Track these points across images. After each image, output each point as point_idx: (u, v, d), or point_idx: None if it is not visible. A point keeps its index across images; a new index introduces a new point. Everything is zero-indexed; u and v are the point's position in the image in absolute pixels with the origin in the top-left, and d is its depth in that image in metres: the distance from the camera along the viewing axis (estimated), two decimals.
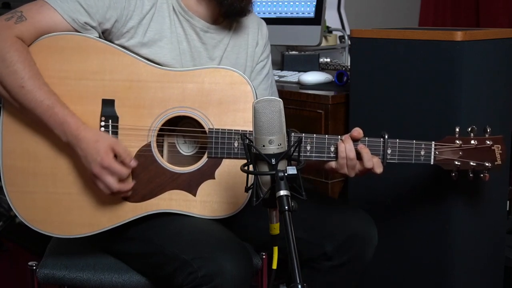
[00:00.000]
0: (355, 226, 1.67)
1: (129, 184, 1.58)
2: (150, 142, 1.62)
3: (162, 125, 1.62)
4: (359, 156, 1.56)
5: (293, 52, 2.64)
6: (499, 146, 1.64)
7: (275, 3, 2.64)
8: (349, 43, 2.68)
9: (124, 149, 1.57)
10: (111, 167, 1.53)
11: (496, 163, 1.64)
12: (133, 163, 1.57)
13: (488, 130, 1.65)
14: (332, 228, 1.67)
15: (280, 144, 1.29)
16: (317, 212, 1.70)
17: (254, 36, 1.83)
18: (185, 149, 1.71)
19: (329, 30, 2.86)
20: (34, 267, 1.65)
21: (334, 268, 1.68)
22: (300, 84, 2.35)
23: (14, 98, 1.56)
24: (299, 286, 1.16)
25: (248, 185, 1.37)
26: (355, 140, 1.57)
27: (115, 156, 1.56)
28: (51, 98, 1.55)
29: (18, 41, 1.56)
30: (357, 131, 1.57)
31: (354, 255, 1.66)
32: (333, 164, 1.60)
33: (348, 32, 2.93)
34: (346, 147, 1.56)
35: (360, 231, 1.67)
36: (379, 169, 1.57)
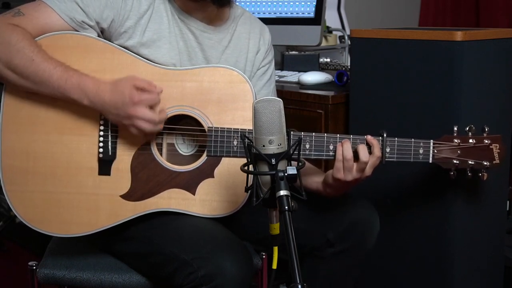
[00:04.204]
0: (357, 212, 1.68)
1: (164, 112, 1.58)
2: (149, 140, 1.62)
3: None
4: (355, 156, 1.56)
5: (293, 52, 2.64)
6: (497, 145, 1.65)
7: (275, 3, 2.64)
8: (349, 43, 2.68)
9: (143, 79, 1.56)
10: (142, 100, 1.53)
11: (494, 162, 1.65)
12: (159, 87, 1.57)
13: (486, 129, 1.66)
14: (333, 215, 1.68)
15: (280, 144, 1.29)
16: (318, 201, 1.70)
17: (256, 42, 1.83)
18: (184, 149, 1.71)
19: (329, 30, 2.87)
20: (34, 267, 1.65)
21: (337, 255, 1.68)
22: (300, 84, 2.35)
23: (26, 75, 1.55)
24: (299, 286, 1.16)
25: (248, 185, 1.37)
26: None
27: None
28: (62, 65, 1.56)
29: (18, 27, 1.57)
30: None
31: (356, 241, 1.67)
32: (330, 171, 1.60)
33: (348, 32, 2.93)
34: (343, 147, 1.56)
35: (361, 217, 1.67)
36: (370, 169, 1.57)
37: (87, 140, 1.62)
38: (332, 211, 1.69)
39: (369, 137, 1.58)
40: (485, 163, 1.64)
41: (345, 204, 1.70)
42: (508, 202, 2.26)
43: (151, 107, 1.55)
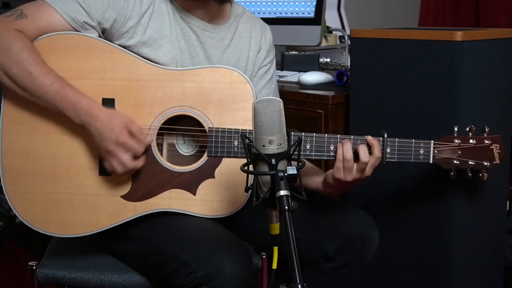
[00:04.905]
0: (356, 227, 1.67)
1: (141, 161, 1.58)
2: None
3: (162, 124, 1.62)
4: (356, 156, 1.56)
5: (293, 52, 2.64)
6: (498, 145, 1.66)
7: (275, 3, 2.64)
8: (349, 43, 2.68)
9: (138, 127, 1.57)
10: (126, 144, 1.53)
11: (494, 162, 1.66)
12: (148, 139, 1.58)
13: (487, 130, 1.66)
14: (333, 229, 1.67)
15: (280, 144, 1.29)
16: (318, 213, 1.70)
17: (257, 41, 1.83)
18: (185, 149, 1.71)
19: (329, 30, 2.87)
20: (34, 267, 1.65)
21: (335, 269, 1.67)
22: (300, 84, 2.35)
23: (22, 87, 1.55)
24: (299, 286, 1.16)
25: (248, 185, 1.37)
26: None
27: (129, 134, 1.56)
28: (60, 81, 1.56)
29: (20, 32, 1.56)
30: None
31: (355, 256, 1.66)
32: (330, 171, 1.60)
33: (348, 32, 2.93)
34: (343, 147, 1.56)
35: (361, 232, 1.67)
36: (370, 169, 1.57)
37: (87, 140, 1.61)
38: (332, 223, 1.68)
39: (369, 138, 1.58)
40: (485, 164, 1.64)
41: (344, 216, 1.70)
42: (508, 202, 2.26)
43: (132, 155, 1.56)
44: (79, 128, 1.61)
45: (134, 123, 1.57)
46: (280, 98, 1.33)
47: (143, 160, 1.59)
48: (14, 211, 1.62)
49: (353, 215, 1.71)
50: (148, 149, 1.62)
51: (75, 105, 1.55)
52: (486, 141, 1.65)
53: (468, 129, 1.65)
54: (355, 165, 1.56)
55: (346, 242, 1.65)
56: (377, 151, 1.57)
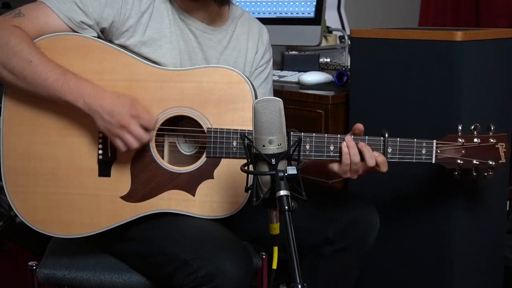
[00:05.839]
0: (357, 211, 1.68)
1: (152, 136, 1.58)
2: (149, 142, 1.62)
3: (161, 125, 1.63)
4: (361, 156, 1.56)
5: (293, 52, 2.64)
6: (504, 144, 1.62)
7: (275, 3, 2.65)
8: (349, 43, 2.69)
9: (143, 106, 1.57)
10: (140, 116, 1.53)
11: (500, 161, 1.62)
12: (157, 117, 1.58)
13: (492, 128, 1.63)
14: (334, 213, 1.68)
15: (280, 144, 1.29)
16: (318, 199, 1.70)
17: (254, 42, 1.83)
18: (186, 149, 1.72)
19: (329, 30, 2.87)
20: (34, 267, 1.65)
21: (337, 253, 1.68)
22: (300, 84, 2.35)
23: (22, 76, 1.55)
24: (299, 286, 1.16)
25: (248, 185, 1.37)
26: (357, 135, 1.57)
27: None
28: (61, 67, 1.56)
29: (18, 28, 1.57)
30: (358, 129, 1.57)
31: (357, 239, 1.67)
32: (335, 167, 1.60)
33: (348, 32, 2.93)
34: (350, 152, 1.55)
35: (361, 215, 1.68)
36: (384, 167, 1.56)
37: (87, 141, 1.62)
38: (333, 209, 1.69)
39: (361, 144, 1.56)
40: (491, 163, 1.61)
41: (345, 202, 1.71)
42: (508, 202, 2.26)
43: (144, 128, 1.55)
44: (79, 129, 1.61)
45: (139, 102, 1.57)
46: (280, 98, 1.33)
47: (150, 134, 1.58)
48: (15, 211, 1.63)
49: (354, 200, 1.72)
50: (147, 150, 1.62)
51: (79, 87, 1.54)
52: (492, 140, 1.61)
53: (472, 127, 1.62)
54: (361, 165, 1.56)
55: (347, 226, 1.66)
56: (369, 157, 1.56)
